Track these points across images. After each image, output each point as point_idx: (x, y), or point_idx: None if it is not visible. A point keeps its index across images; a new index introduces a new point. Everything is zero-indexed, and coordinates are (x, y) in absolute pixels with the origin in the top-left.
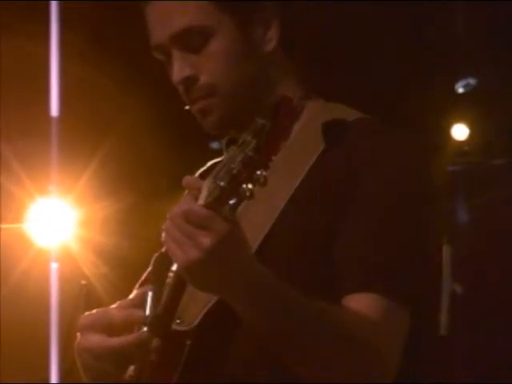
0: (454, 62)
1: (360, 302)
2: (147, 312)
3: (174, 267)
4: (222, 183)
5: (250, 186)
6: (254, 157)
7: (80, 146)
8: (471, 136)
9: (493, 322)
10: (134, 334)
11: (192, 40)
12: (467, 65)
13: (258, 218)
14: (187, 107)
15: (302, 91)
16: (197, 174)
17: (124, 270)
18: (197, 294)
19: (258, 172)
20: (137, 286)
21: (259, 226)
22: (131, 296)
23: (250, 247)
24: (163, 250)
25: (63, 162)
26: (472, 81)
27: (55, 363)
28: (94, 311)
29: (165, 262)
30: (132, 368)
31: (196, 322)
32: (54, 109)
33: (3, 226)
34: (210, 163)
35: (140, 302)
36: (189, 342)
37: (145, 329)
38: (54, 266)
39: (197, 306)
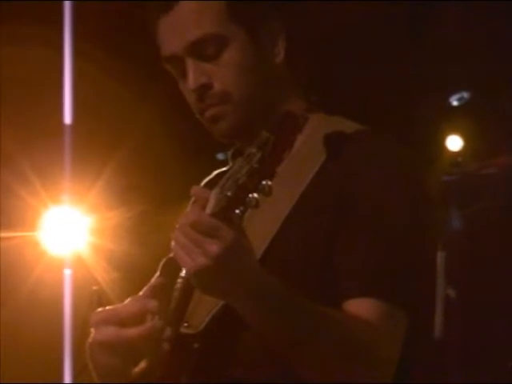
0: (448, 77)
1: (360, 307)
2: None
3: (183, 273)
4: (228, 193)
5: (255, 195)
6: (259, 168)
7: (92, 155)
8: (465, 147)
9: (485, 325)
10: (148, 323)
11: (206, 49)
12: (461, 79)
13: (262, 227)
14: (197, 116)
15: (305, 104)
16: (202, 182)
17: (134, 276)
18: (204, 299)
19: (263, 182)
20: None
21: (263, 234)
22: (141, 292)
23: (255, 254)
24: (171, 255)
25: (76, 170)
26: (466, 94)
27: (68, 365)
28: (107, 308)
29: (172, 267)
30: (143, 362)
31: (203, 326)
32: (68, 117)
33: (17, 233)
34: (215, 172)
35: (151, 295)
36: (196, 345)
37: (158, 319)
38: (68, 272)
39: (204, 310)
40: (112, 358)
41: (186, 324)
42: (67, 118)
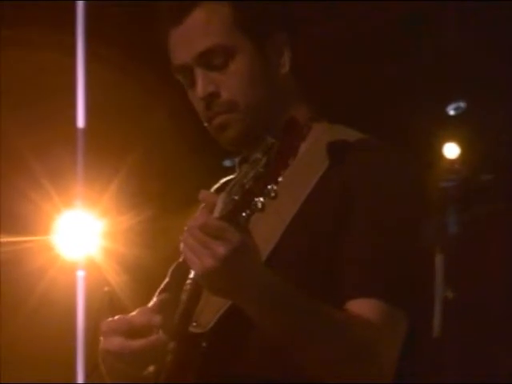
0: (445, 87)
1: (362, 307)
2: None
3: (192, 275)
4: (235, 197)
5: (261, 199)
6: (264, 173)
7: (104, 159)
8: (461, 154)
9: (482, 325)
10: (153, 337)
11: (215, 59)
12: (458, 89)
13: (267, 229)
14: (205, 124)
15: (310, 113)
16: (211, 190)
17: (143, 277)
18: (212, 300)
19: (269, 186)
20: (156, 294)
21: (269, 237)
22: (150, 304)
23: (261, 256)
24: (180, 260)
25: (88, 175)
26: (462, 104)
27: (81, 364)
28: (116, 317)
29: (181, 271)
30: (152, 367)
31: (211, 325)
32: (81, 120)
33: (31, 238)
34: (222, 180)
35: (158, 309)
36: (204, 344)
37: (162, 332)
38: (80, 274)
39: (212, 310)
40: (120, 365)
41: (194, 323)
42: (80, 122)
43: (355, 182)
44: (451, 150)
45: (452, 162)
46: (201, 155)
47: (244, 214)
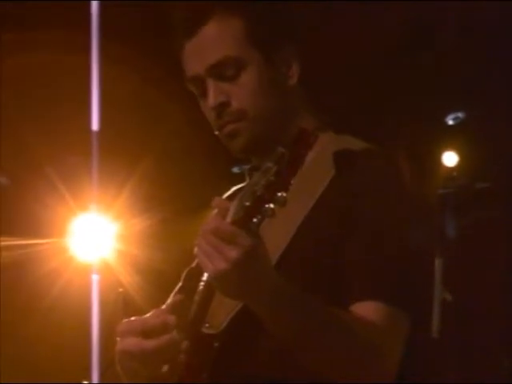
0: (445, 98)
1: (366, 309)
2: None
3: (205, 277)
4: (247, 203)
5: (271, 205)
6: (275, 180)
7: (118, 163)
8: (460, 162)
9: (479, 326)
10: (166, 336)
11: (226, 70)
12: (457, 100)
13: (277, 234)
14: (216, 133)
15: (316, 123)
16: (223, 196)
17: (155, 279)
18: (223, 302)
19: (279, 194)
20: (170, 296)
21: (279, 242)
22: (164, 305)
23: (271, 260)
24: (193, 265)
25: (103, 179)
26: (461, 114)
27: (96, 364)
28: (132, 318)
29: (194, 275)
30: (166, 367)
31: (223, 326)
32: (95, 123)
33: (47, 240)
34: (233, 189)
35: (172, 310)
36: (216, 344)
37: (176, 332)
38: (95, 277)
39: (223, 312)
40: (135, 364)
41: (207, 325)
42: (94, 125)
43: (360, 189)
44: (450, 159)
45: (451, 169)
46: (211, 162)
47: (255, 220)
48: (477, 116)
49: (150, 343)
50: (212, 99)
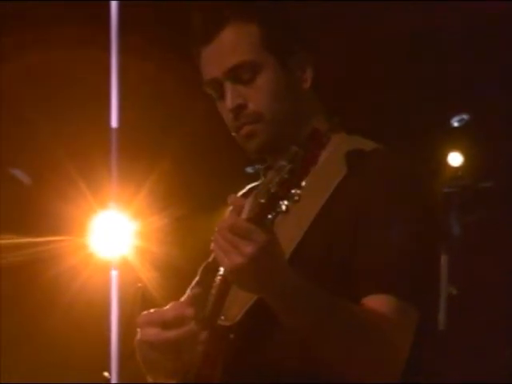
0: (450, 101)
1: (377, 302)
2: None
3: (221, 272)
4: (262, 200)
5: (285, 202)
6: (289, 178)
7: (137, 161)
8: (464, 163)
9: (484, 319)
10: (185, 328)
11: (243, 74)
12: (462, 103)
13: (291, 230)
14: (233, 134)
15: (328, 124)
16: (238, 194)
17: (172, 274)
18: (239, 296)
19: (293, 191)
20: (188, 290)
21: (292, 237)
22: (182, 298)
23: (285, 254)
24: (209, 260)
25: (122, 177)
26: (465, 116)
27: (115, 357)
28: (151, 310)
29: (211, 270)
30: (184, 357)
31: (238, 319)
32: (114, 120)
33: (67, 237)
34: (248, 186)
35: (190, 302)
36: (232, 336)
37: (194, 324)
38: (114, 273)
39: (239, 305)
40: (155, 354)
41: (223, 317)
42: (114, 122)
43: (371, 187)
44: (455, 159)
45: (456, 169)
46: (226, 162)
47: (269, 216)
48: (481, 118)
49: (170, 334)
50: (229, 101)
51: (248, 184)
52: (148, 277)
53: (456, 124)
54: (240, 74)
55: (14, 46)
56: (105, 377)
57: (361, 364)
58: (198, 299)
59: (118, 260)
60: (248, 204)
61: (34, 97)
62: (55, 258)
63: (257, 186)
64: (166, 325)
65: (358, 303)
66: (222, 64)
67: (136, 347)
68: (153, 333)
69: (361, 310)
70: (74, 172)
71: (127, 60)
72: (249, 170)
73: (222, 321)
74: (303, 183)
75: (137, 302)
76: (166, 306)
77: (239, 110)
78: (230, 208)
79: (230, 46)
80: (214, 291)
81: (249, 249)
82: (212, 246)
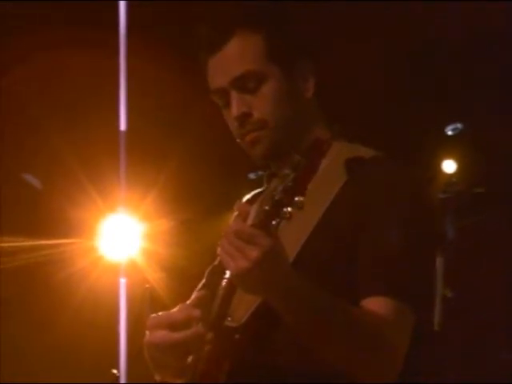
0: (445, 111)
1: (376, 304)
2: (203, 312)
3: (227, 275)
4: (266, 207)
5: (289, 209)
6: (292, 186)
7: (145, 162)
8: (458, 170)
9: (477, 320)
10: (192, 329)
11: (248, 83)
12: (456, 112)
13: (294, 235)
14: (238, 141)
15: (329, 133)
16: (243, 200)
17: (178, 275)
18: (244, 298)
19: (296, 198)
20: (194, 292)
21: (295, 242)
22: (189, 300)
23: (289, 258)
24: (216, 263)
25: (130, 180)
26: (459, 125)
27: (123, 357)
28: (160, 313)
29: (216, 273)
30: (191, 357)
31: (243, 320)
32: (123, 123)
33: (76, 240)
34: (253, 192)
35: (197, 304)
36: (237, 336)
37: (201, 325)
38: (123, 280)
39: (244, 307)
40: (163, 355)
41: (229, 318)
42: (122, 125)
43: (370, 193)
44: (449, 166)
45: (450, 176)
46: (229, 168)
47: (274, 222)
48: (474, 127)
49: (177, 335)
50: (235, 109)
51: (250, 189)
52: (155, 277)
53: (450, 133)
54: (245, 83)
55: (23, 52)
56: (114, 374)
57: (360, 363)
58: (204, 301)
59: (126, 262)
60: (253, 210)
61: (43, 103)
62: (66, 260)
63: (261, 192)
64: (173, 326)
65: (358, 304)
66: (228, 74)
67: (145, 348)
68: (161, 335)
69: (360, 312)
70: (83, 177)
71: (135, 64)
72: (251, 176)
73: (228, 322)
74: (306, 190)
75: (145, 301)
76: (172, 305)
77: (244, 117)
78: (236, 213)
79: (236, 56)
80: (220, 294)
81: (254, 253)
82: (218, 250)
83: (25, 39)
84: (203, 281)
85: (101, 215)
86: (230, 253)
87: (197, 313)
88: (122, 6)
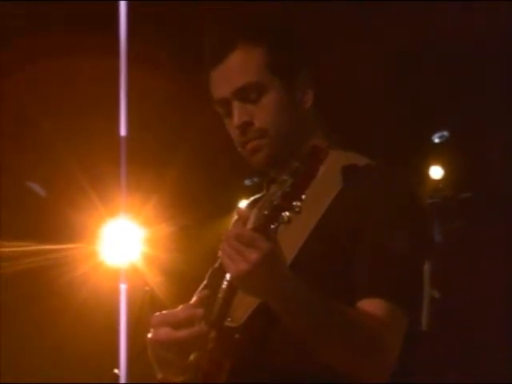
0: (431, 119)
1: (371, 305)
2: (206, 311)
3: (228, 277)
4: (265, 212)
5: (287, 213)
6: (291, 192)
7: (146, 168)
8: (445, 176)
9: (463, 320)
10: (196, 327)
11: (249, 94)
12: (442, 121)
13: (292, 239)
14: (239, 149)
15: (327, 141)
16: (242, 204)
17: (177, 279)
18: (244, 299)
19: (294, 203)
20: (196, 292)
21: (293, 245)
22: (192, 300)
23: (287, 261)
24: (216, 265)
25: (131, 186)
26: (446, 133)
27: (124, 360)
28: (164, 312)
29: (217, 274)
30: (193, 355)
31: (243, 320)
32: (123, 129)
33: (78, 245)
34: (252, 198)
35: (199, 304)
36: (237, 336)
37: (203, 324)
38: (123, 286)
39: (244, 308)
40: (166, 352)
41: (229, 319)
42: (122, 131)
43: (365, 199)
44: (436, 172)
45: (437, 182)
46: (227, 175)
47: (273, 226)
48: (460, 135)
49: (181, 333)
50: (237, 118)
51: (246, 195)
52: (155, 281)
53: (437, 140)
54: (247, 93)
55: (22, 58)
56: (115, 374)
57: (355, 363)
58: (206, 301)
59: (127, 266)
60: (253, 215)
61: (45, 111)
62: (68, 264)
63: (260, 197)
64: (177, 324)
65: (353, 306)
66: (231, 85)
67: (148, 345)
68: (164, 332)
69: (357, 313)
70: (85, 184)
71: (136, 71)
72: (247, 182)
73: (229, 322)
74: (303, 196)
75: (145, 304)
76: (172, 307)
77: (245, 126)
78: (236, 218)
79: (239, 68)
80: (221, 295)
81: (253, 256)
82: (219, 253)
83: (24, 50)
84: (205, 282)
85: (102, 221)
86: (230, 255)
87: (200, 312)
88: (123, 6)
